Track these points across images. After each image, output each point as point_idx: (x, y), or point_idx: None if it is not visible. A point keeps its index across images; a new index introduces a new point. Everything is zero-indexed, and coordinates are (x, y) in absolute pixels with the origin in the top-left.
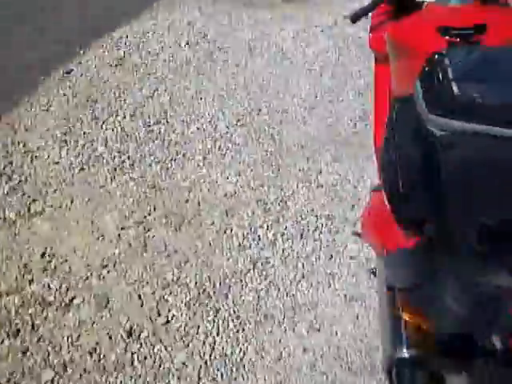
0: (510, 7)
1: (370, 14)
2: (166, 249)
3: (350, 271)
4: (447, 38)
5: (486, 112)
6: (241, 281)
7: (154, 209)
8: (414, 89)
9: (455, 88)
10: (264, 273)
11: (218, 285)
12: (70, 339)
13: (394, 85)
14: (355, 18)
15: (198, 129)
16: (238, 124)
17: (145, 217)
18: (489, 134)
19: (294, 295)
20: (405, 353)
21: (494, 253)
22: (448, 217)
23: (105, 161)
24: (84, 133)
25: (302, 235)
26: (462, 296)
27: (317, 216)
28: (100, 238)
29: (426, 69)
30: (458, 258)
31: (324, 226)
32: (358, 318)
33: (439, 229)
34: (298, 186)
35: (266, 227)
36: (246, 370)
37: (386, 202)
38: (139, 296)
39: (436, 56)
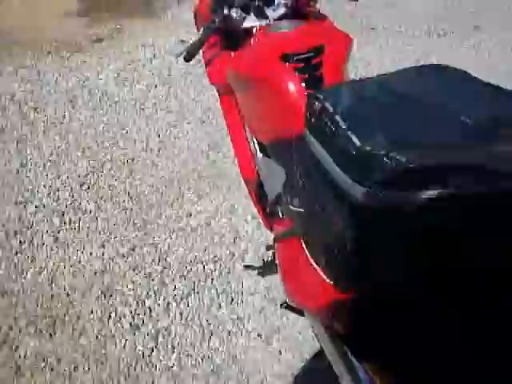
0: (328, 19)
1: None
2: (47, 361)
3: (256, 308)
4: (291, 64)
5: (418, 176)
6: (147, 364)
7: (15, 319)
8: (312, 145)
9: (356, 140)
10: (169, 346)
11: (122, 380)
12: None
13: (248, 117)
14: (189, 56)
15: (37, 207)
16: (84, 188)
17: (7, 334)
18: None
19: (209, 357)
20: None
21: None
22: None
23: None
24: None
25: (194, 289)
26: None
27: (203, 262)
28: None
29: (313, 120)
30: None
31: (213, 270)
32: (280, 353)
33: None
34: (172, 237)
35: (153, 295)
36: None
37: (324, 276)
38: None
39: (315, 102)
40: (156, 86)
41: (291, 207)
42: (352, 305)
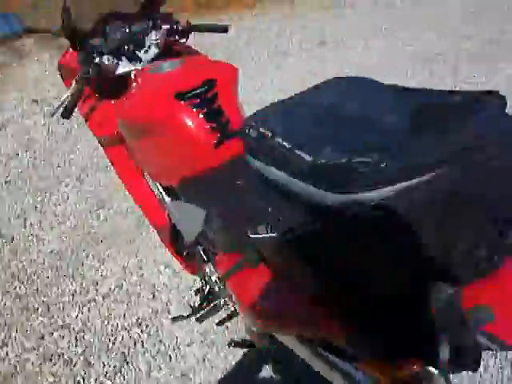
0: (201, 53)
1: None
2: None
3: (197, 358)
4: (186, 102)
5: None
6: None
7: None
8: (264, 171)
9: (305, 156)
10: None
11: None
12: None
13: (148, 164)
14: (66, 112)
15: None
16: None
17: None
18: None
19: None
20: None
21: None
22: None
23: None
24: None
25: (125, 360)
26: None
27: (126, 328)
28: None
29: (253, 147)
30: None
31: (140, 333)
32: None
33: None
34: (83, 312)
35: (81, 380)
36: None
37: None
38: None
39: (250, 129)
40: (18, 155)
41: (255, 236)
42: (343, 316)
